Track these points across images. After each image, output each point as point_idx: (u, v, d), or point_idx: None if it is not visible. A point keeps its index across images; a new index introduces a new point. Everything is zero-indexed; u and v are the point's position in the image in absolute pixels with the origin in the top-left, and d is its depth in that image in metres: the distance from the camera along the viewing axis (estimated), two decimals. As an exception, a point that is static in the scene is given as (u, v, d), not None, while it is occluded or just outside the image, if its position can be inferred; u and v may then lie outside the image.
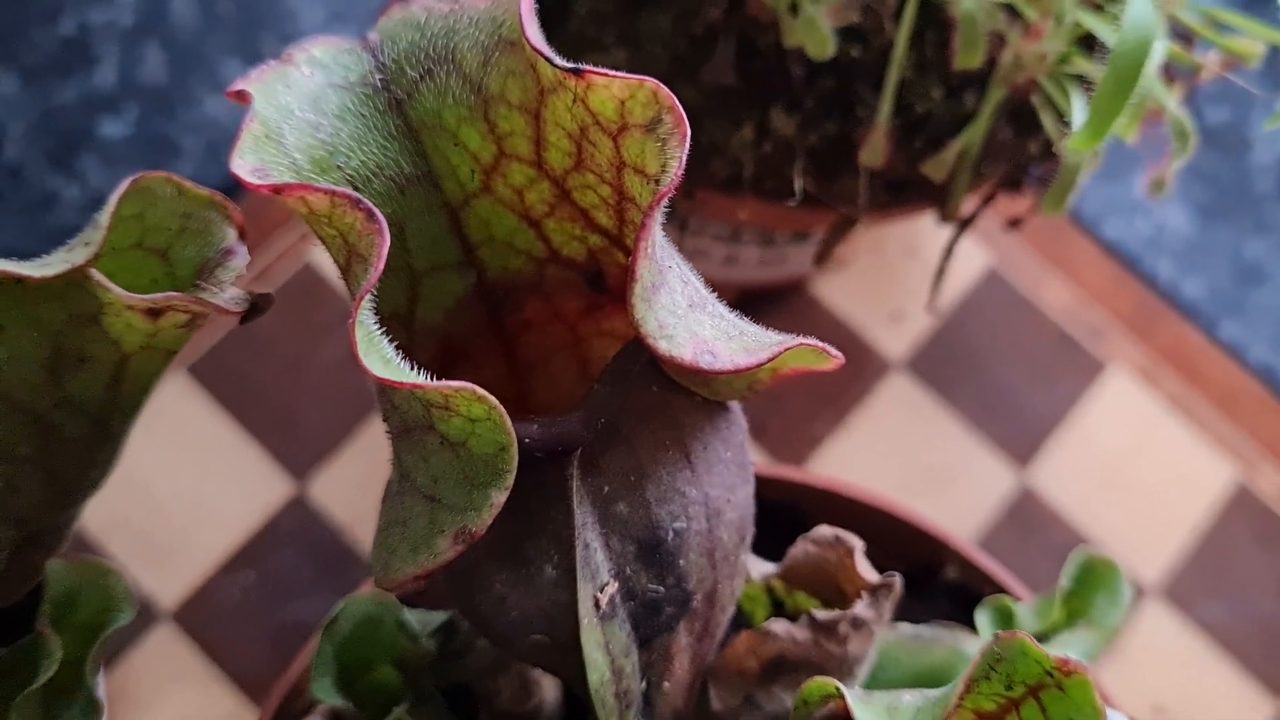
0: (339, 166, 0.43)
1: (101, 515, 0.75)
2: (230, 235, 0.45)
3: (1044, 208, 0.58)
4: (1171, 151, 0.56)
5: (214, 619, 0.75)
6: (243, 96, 0.41)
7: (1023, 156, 0.60)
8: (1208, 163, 0.92)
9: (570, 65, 0.39)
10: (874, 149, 0.57)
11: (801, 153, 0.58)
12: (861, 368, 0.83)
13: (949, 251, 0.62)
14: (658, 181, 0.39)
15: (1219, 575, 0.81)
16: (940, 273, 0.63)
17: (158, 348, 0.44)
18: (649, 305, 0.39)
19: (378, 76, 0.44)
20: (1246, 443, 0.84)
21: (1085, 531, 0.81)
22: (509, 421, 0.38)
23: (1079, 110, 0.53)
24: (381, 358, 0.37)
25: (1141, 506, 0.82)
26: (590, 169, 0.43)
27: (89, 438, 0.46)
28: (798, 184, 0.58)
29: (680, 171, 0.38)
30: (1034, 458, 0.82)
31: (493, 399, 0.37)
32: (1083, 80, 0.55)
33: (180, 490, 0.77)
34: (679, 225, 0.66)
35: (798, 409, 0.81)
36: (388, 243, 0.37)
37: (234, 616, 0.75)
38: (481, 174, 0.45)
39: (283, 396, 0.79)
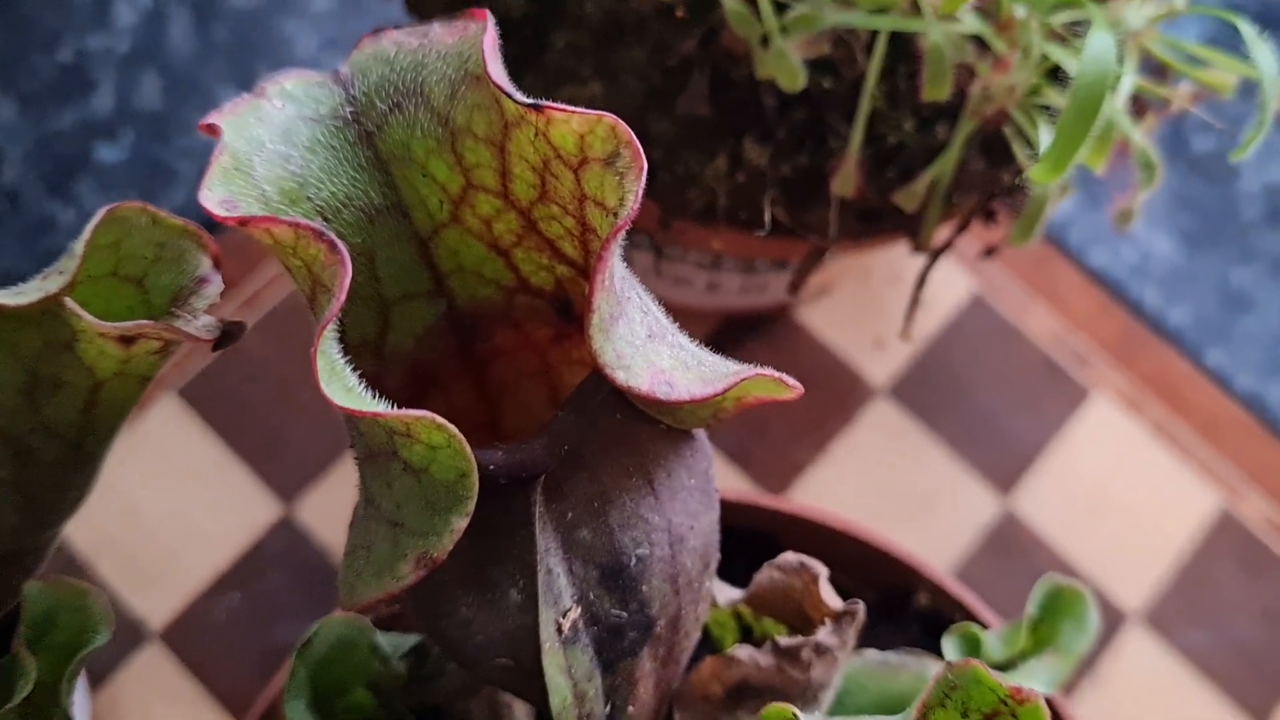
0: (309, 198, 0.44)
1: (90, 536, 0.76)
2: (204, 264, 0.46)
3: (1012, 238, 0.58)
4: (1138, 182, 0.57)
5: (201, 639, 0.75)
6: (213, 130, 0.42)
7: (995, 187, 0.61)
8: (1194, 191, 0.92)
9: (530, 101, 0.40)
10: (845, 179, 0.58)
11: (773, 183, 0.59)
12: (845, 394, 0.83)
13: (922, 281, 0.63)
14: (616, 214, 0.40)
15: (1202, 602, 0.81)
16: (914, 302, 0.64)
17: (131, 374, 0.45)
18: (607, 336, 0.39)
19: (348, 109, 0.44)
20: (1230, 469, 0.84)
21: (1067, 558, 0.81)
22: (469, 449, 0.38)
23: (1046, 141, 0.53)
24: (344, 386, 0.38)
25: (1124, 533, 0.82)
26: (554, 201, 0.43)
27: (65, 461, 0.47)
28: (768, 214, 0.59)
29: (637, 205, 0.39)
30: (1017, 484, 0.82)
31: (452, 427, 0.38)
32: (1052, 112, 0.56)
33: (169, 511, 0.77)
34: (655, 252, 0.67)
35: (781, 436, 0.82)
36: (349, 274, 0.38)
37: (221, 637, 0.75)
38: (450, 205, 0.45)
39: (271, 419, 0.80)
